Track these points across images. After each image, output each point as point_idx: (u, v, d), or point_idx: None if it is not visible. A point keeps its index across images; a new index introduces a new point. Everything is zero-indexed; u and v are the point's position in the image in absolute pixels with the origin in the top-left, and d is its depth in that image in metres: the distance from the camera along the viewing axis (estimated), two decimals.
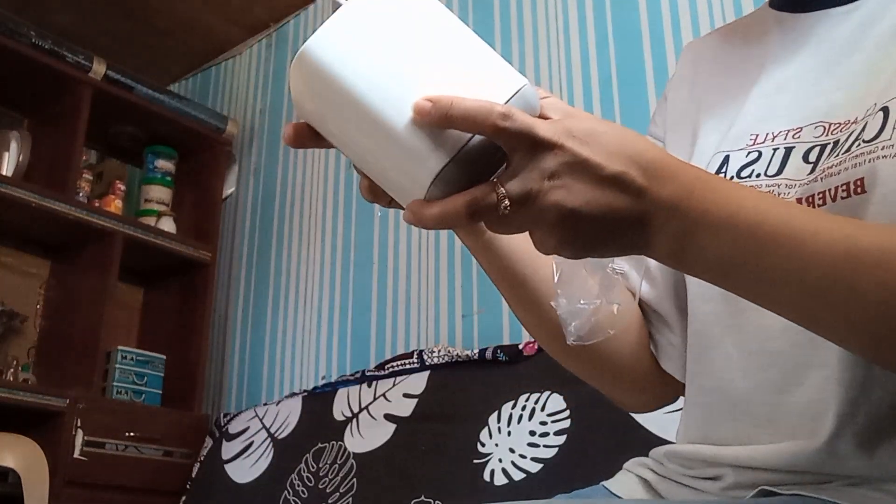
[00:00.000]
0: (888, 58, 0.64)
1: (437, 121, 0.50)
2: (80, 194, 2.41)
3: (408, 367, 1.89)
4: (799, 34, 0.74)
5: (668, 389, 0.81)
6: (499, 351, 1.72)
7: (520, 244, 0.73)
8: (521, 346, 1.71)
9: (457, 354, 1.81)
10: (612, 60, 1.92)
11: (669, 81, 0.88)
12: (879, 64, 0.65)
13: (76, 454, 2.07)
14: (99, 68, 2.40)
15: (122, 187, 2.59)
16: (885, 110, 0.60)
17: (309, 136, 0.56)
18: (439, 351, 1.86)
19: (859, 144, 0.60)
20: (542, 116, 0.53)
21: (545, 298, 0.73)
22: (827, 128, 0.66)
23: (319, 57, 0.52)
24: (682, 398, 0.78)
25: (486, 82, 0.52)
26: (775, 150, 0.68)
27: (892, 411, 0.59)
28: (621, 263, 0.68)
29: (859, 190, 0.59)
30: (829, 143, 0.64)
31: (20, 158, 2.35)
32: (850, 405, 0.59)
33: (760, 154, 0.69)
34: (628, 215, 0.52)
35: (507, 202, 0.50)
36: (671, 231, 0.53)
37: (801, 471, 0.61)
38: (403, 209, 0.53)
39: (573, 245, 0.53)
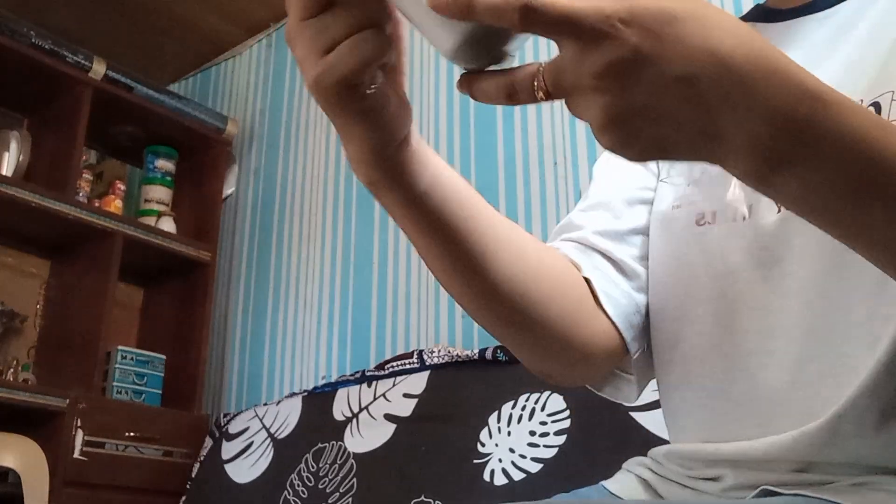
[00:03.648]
0: (867, 58, 0.65)
1: (457, 16, 0.42)
2: (80, 194, 2.41)
3: (408, 367, 1.89)
4: (775, 42, 0.74)
5: (606, 360, 0.73)
6: (499, 351, 1.72)
7: (456, 190, 0.60)
8: None
9: (457, 354, 1.81)
10: None
11: None
12: (858, 65, 0.65)
13: (76, 454, 2.07)
14: (99, 68, 2.40)
15: (122, 187, 2.59)
16: (877, 105, 0.61)
17: None
18: (439, 351, 1.86)
19: None
20: None
21: (491, 259, 0.62)
22: None
23: None
24: (664, 403, 0.76)
25: None
26: None
27: None
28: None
29: None
30: None
31: (20, 158, 2.35)
32: (867, 397, 0.58)
33: None
34: (698, 130, 0.42)
35: (541, 94, 0.43)
36: (757, 154, 0.43)
37: (800, 460, 0.61)
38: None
39: (627, 149, 0.43)
